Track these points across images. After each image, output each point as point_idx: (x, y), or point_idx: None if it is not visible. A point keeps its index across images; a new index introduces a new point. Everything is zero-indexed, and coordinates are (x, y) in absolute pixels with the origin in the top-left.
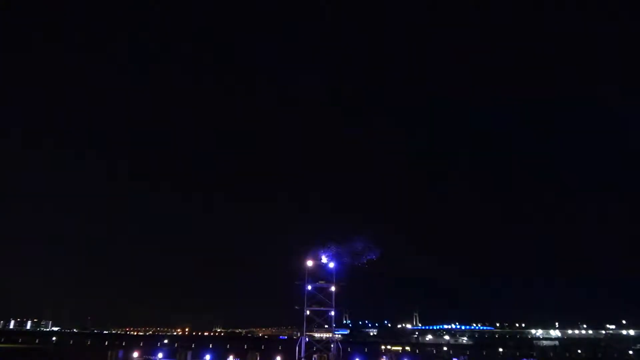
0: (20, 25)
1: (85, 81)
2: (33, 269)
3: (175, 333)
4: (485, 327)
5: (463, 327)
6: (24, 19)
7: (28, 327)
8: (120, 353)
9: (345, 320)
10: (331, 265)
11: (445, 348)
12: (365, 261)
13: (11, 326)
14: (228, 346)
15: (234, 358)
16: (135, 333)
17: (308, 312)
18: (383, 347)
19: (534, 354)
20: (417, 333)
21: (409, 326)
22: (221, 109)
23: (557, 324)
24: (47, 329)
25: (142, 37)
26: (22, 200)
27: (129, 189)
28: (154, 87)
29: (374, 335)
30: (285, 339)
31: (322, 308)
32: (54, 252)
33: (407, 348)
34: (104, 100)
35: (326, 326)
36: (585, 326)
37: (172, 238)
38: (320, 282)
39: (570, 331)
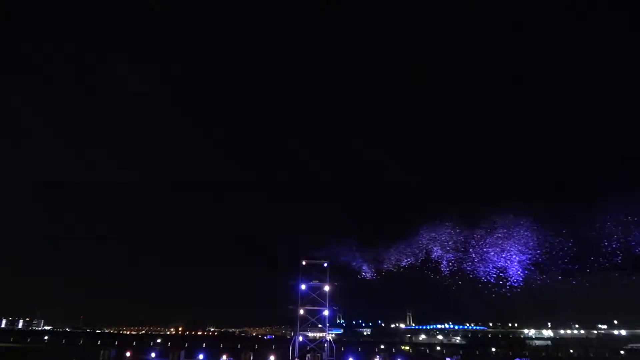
0: None
1: None
2: (25, 267)
3: (168, 332)
4: (478, 327)
5: (456, 327)
6: None
7: (20, 326)
8: (113, 352)
9: (339, 319)
10: (325, 264)
11: (438, 348)
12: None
13: (2, 325)
14: (221, 345)
15: (227, 357)
16: (128, 332)
17: (302, 312)
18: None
19: (527, 354)
20: (409, 334)
21: (402, 326)
22: None
23: (549, 323)
24: (39, 328)
25: None
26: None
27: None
28: None
29: (367, 334)
30: (272, 338)
31: (315, 307)
32: (46, 251)
33: (407, 348)
34: None
35: (320, 325)
36: (577, 326)
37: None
38: (314, 281)
39: (562, 331)
